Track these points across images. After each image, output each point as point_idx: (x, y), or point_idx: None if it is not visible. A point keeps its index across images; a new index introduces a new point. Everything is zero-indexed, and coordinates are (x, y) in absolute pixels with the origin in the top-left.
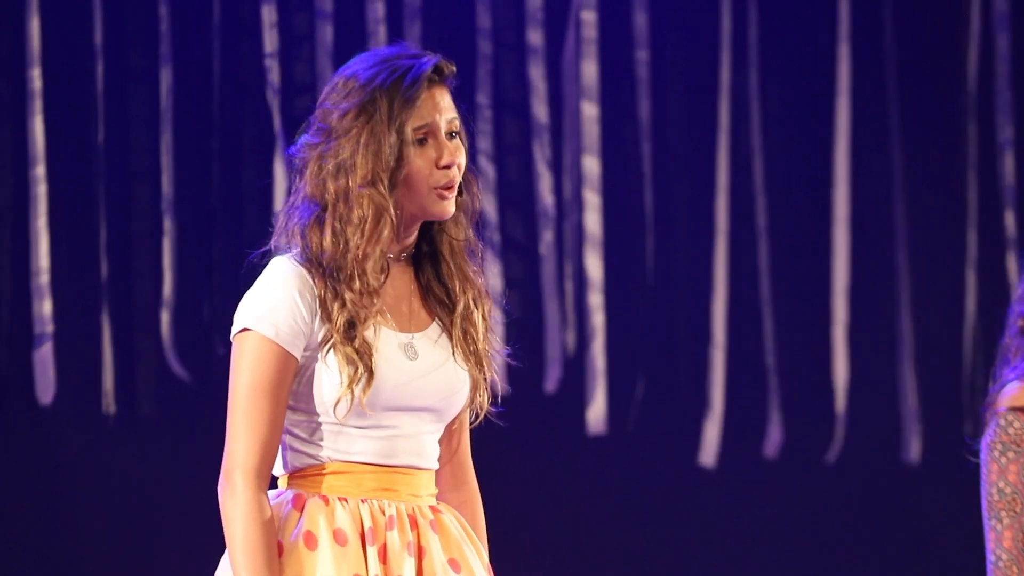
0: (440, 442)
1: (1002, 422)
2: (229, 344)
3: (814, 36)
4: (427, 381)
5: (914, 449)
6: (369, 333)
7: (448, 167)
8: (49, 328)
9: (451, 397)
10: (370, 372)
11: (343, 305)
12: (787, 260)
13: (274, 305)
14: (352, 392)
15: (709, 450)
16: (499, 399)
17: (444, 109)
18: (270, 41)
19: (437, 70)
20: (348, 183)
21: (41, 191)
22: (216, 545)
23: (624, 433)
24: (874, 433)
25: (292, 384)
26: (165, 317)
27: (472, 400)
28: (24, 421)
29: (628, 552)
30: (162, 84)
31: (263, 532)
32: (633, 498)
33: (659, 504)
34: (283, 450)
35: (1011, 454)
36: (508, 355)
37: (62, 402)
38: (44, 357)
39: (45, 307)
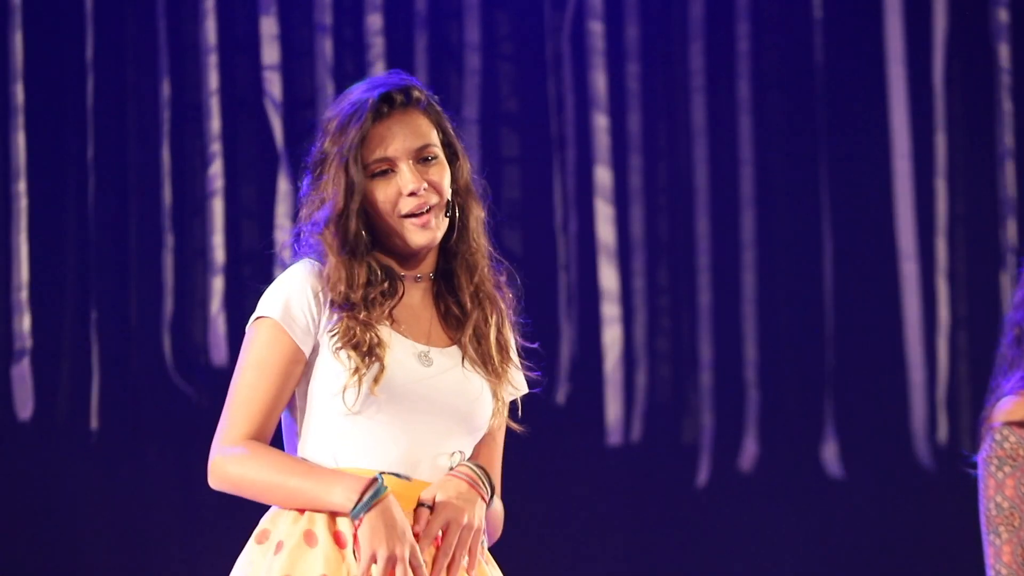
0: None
1: (997, 436)
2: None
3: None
4: (441, 386)
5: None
6: (384, 333)
7: (412, 194)
8: (28, 343)
9: (471, 405)
10: (381, 363)
11: (340, 310)
12: (778, 269)
13: (289, 297)
14: (360, 381)
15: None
16: (519, 413)
17: (406, 136)
18: (269, 54)
19: (387, 100)
20: (314, 221)
21: (22, 206)
22: (189, 557)
23: (638, 443)
24: None
25: (296, 380)
26: (150, 333)
27: (493, 411)
28: (3, 436)
29: (640, 561)
30: (162, 97)
31: (275, 452)
32: (649, 509)
33: (668, 515)
34: None
35: (1007, 468)
36: (530, 369)
37: (41, 417)
38: (23, 372)
39: (24, 322)
